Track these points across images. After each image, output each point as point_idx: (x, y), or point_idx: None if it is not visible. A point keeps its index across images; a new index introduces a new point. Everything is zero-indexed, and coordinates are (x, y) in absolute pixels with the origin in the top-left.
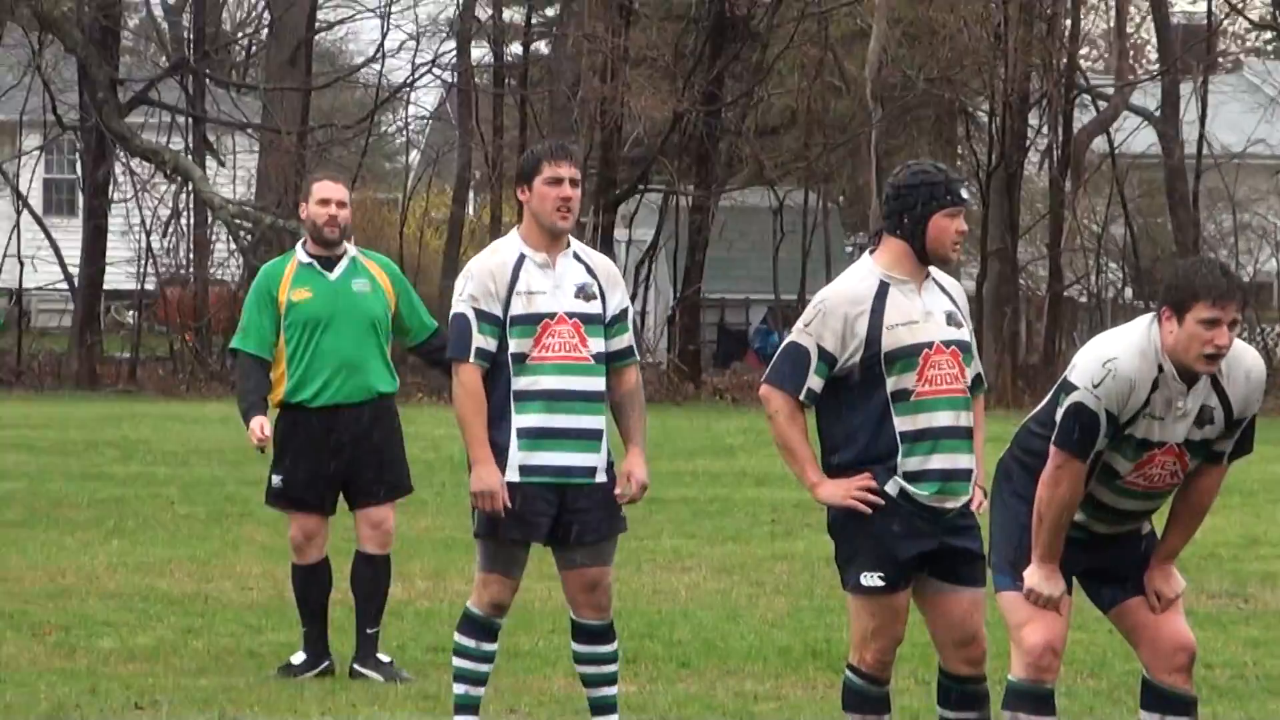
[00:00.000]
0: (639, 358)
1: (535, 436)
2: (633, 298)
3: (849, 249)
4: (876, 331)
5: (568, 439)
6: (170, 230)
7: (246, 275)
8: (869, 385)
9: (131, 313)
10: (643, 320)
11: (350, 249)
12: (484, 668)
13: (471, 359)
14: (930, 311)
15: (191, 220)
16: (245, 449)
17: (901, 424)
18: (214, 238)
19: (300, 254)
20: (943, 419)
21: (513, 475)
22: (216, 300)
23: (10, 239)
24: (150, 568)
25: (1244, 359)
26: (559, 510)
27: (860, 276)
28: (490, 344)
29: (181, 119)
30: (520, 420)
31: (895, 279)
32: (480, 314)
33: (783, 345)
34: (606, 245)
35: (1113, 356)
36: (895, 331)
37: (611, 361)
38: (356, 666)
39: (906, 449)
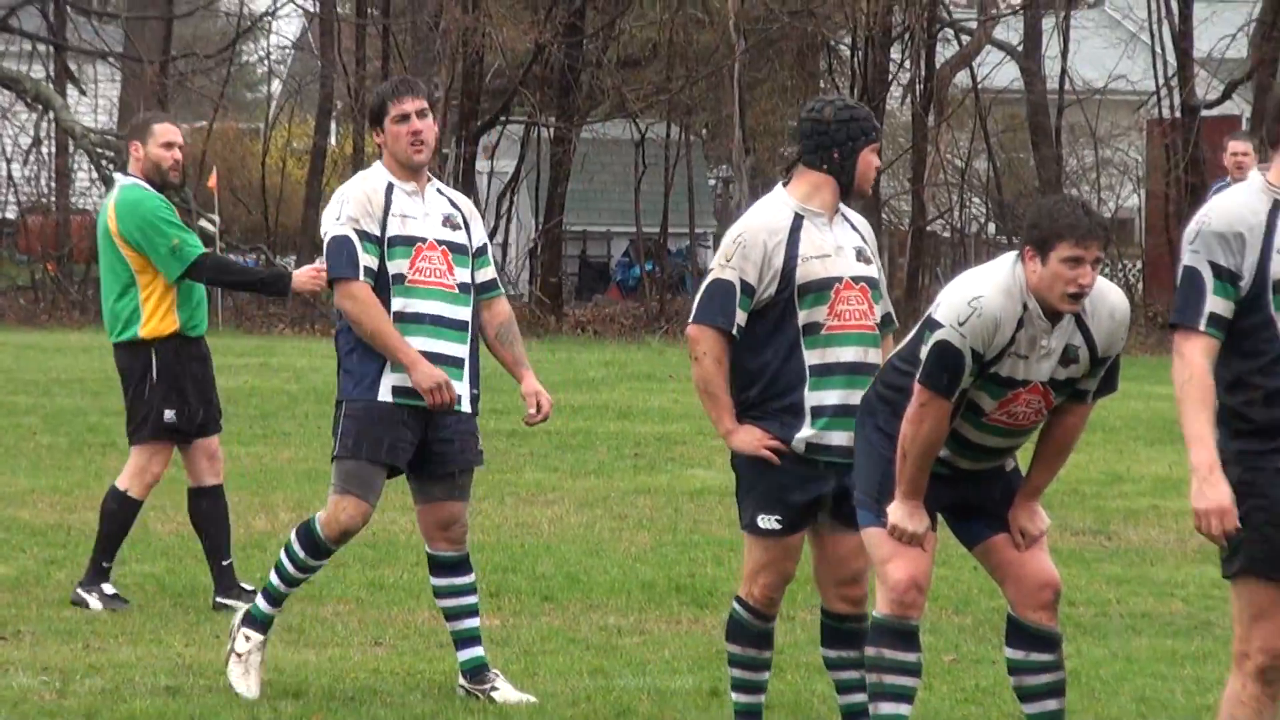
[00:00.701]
0: (502, 291)
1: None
2: (494, 231)
3: (711, 182)
4: (792, 263)
5: (438, 365)
6: (31, 159)
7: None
8: (782, 318)
9: None
10: (504, 253)
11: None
12: (304, 577)
13: (361, 276)
14: (841, 246)
15: (53, 149)
16: (109, 379)
17: (810, 357)
18: (76, 167)
19: (145, 185)
20: (850, 354)
21: (385, 395)
22: (78, 229)
23: None
24: (12, 498)
25: (1108, 297)
26: (423, 438)
27: (775, 208)
28: (373, 263)
29: (42, 47)
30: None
31: (810, 211)
32: (362, 234)
33: (705, 284)
34: (468, 177)
35: (978, 295)
36: (809, 264)
37: (481, 294)
38: (219, 599)
39: (814, 382)
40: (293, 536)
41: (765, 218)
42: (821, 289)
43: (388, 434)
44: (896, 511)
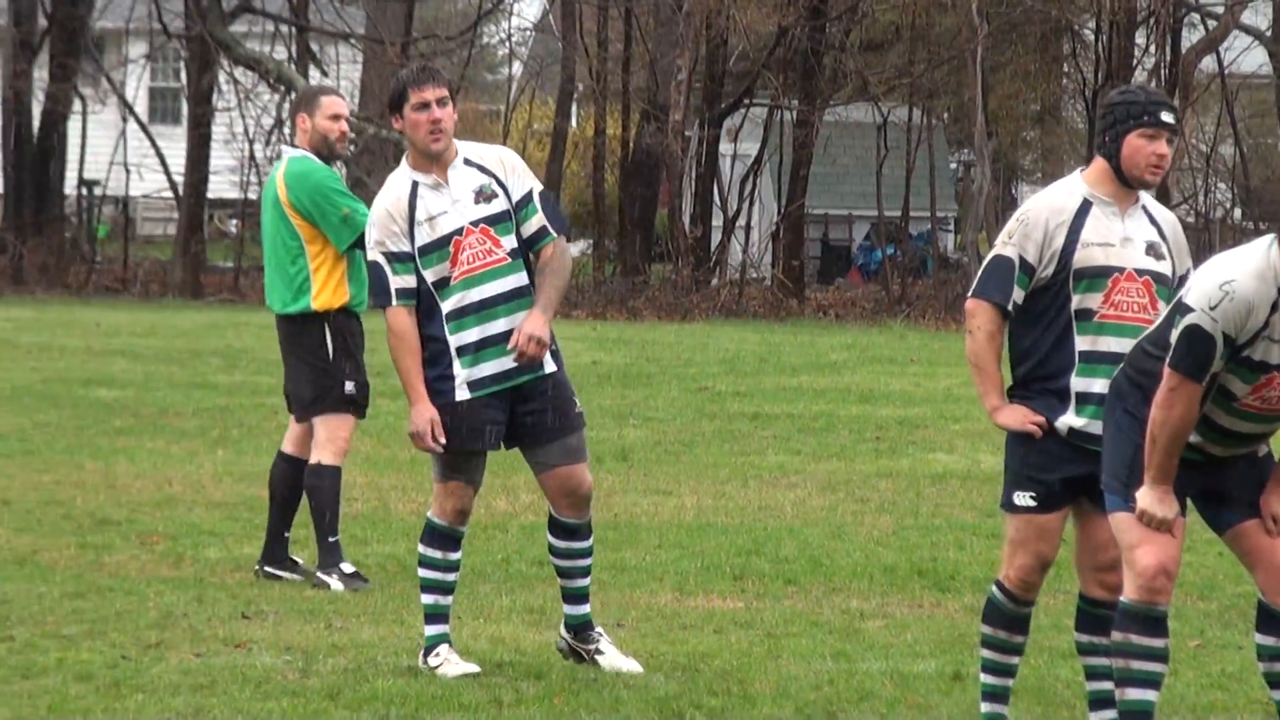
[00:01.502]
0: (555, 235)
1: (474, 350)
2: (737, 212)
3: (953, 166)
4: (1071, 246)
5: (504, 342)
6: (273, 139)
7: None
8: (1057, 300)
9: (234, 222)
10: (747, 235)
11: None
12: (450, 577)
13: (395, 301)
14: (1130, 238)
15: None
16: None
17: (1081, 344)
18: None
19: (315, 160)
20: (1123, 345)
21: (463, 394)
22: None
23: (116, 147)
24: (255, 478)
25: None
26: (511, 413)
27: (1066, 191)
28: (410, 280)
29: (285, 28)
30: (457, 339)
31: (1098, 198)
32: (391, 256)
33: (986, 260)
34: (711, 159)
35: (1230, 279)
36: (1089, 250)
37: (529, 246)
38: (268, 569)
39: (1082, 369)
40: (420, 549)
41: (1052, 198)
42: (1098, 276)
43: (474, 424)
44: (1146, 497)
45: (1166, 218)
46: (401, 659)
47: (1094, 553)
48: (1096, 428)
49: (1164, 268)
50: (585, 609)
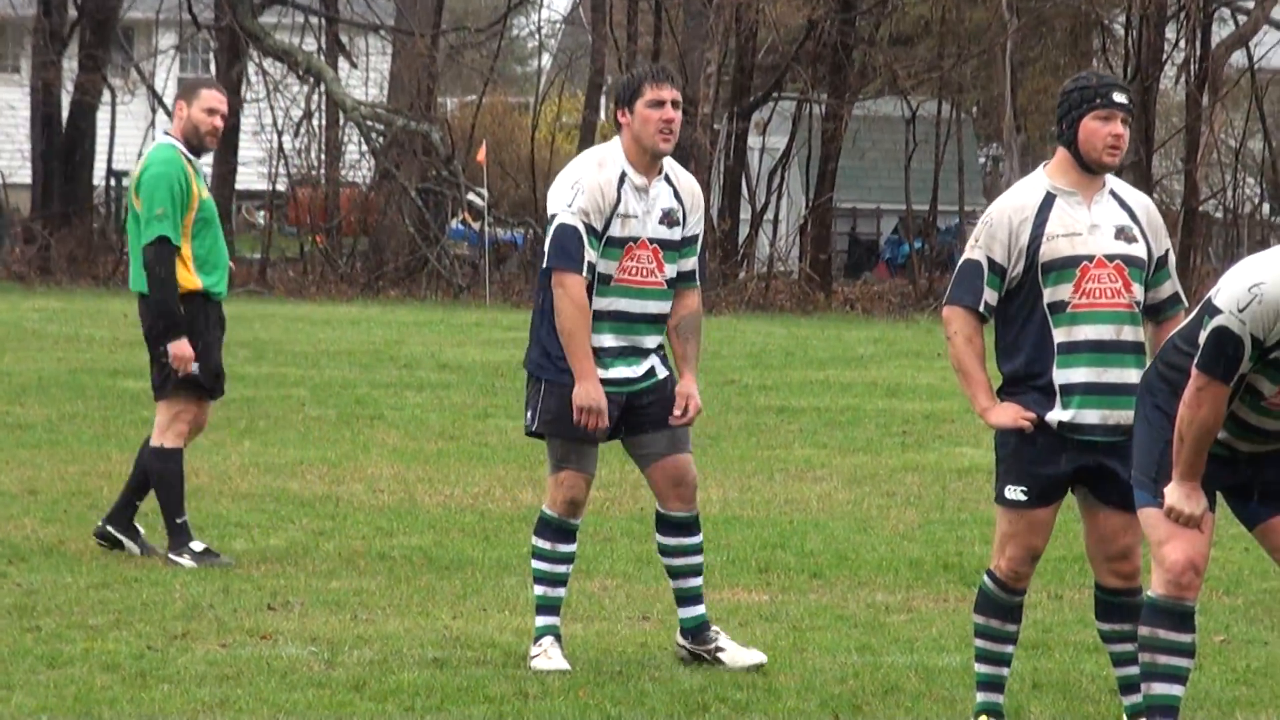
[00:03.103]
0: (700, 284)
1: (604, 355)
2: (764, 207)
3: (981, 160)
4: (1037, 242)
5: (633, 356)
6: (302, 131)
7: (378, 177)
8: (1030, 296)
9: (262, 213)
10: (774, 229)
11: None
12: (562, 569)
13: (584, 272)
14: (1097, 224)
15: (323, 121)
16: (377, 351)
17: (1058, 335)
18: (345, 139)
19: (182, 149)
20: (1097, 332)
21: None
22: (347, 202)
23: (145, 138)
24: (281, 469)
25: None
26: (624, 410)
27: (1028, 188)
28: (594, 258)
29: (315, 20)
30: (596, 339)
31: (1062, 190)
32: (590, 229)
33: (957, 266)
34: (739, 152)
35: (1260, 281)
36: (1055, 242)
37: (677, 283)
38: (110, 529)
39: (1060, 360)
40: (532, 541)
41: (1014, 197)
42: (1065, 266)
43: None
44: (1174, 493)
45: (1138, 200)
46: (427, 651)
47: (1103, 543)
48: (1085, 418)
49: (1136, 250)
50: (700, 610)
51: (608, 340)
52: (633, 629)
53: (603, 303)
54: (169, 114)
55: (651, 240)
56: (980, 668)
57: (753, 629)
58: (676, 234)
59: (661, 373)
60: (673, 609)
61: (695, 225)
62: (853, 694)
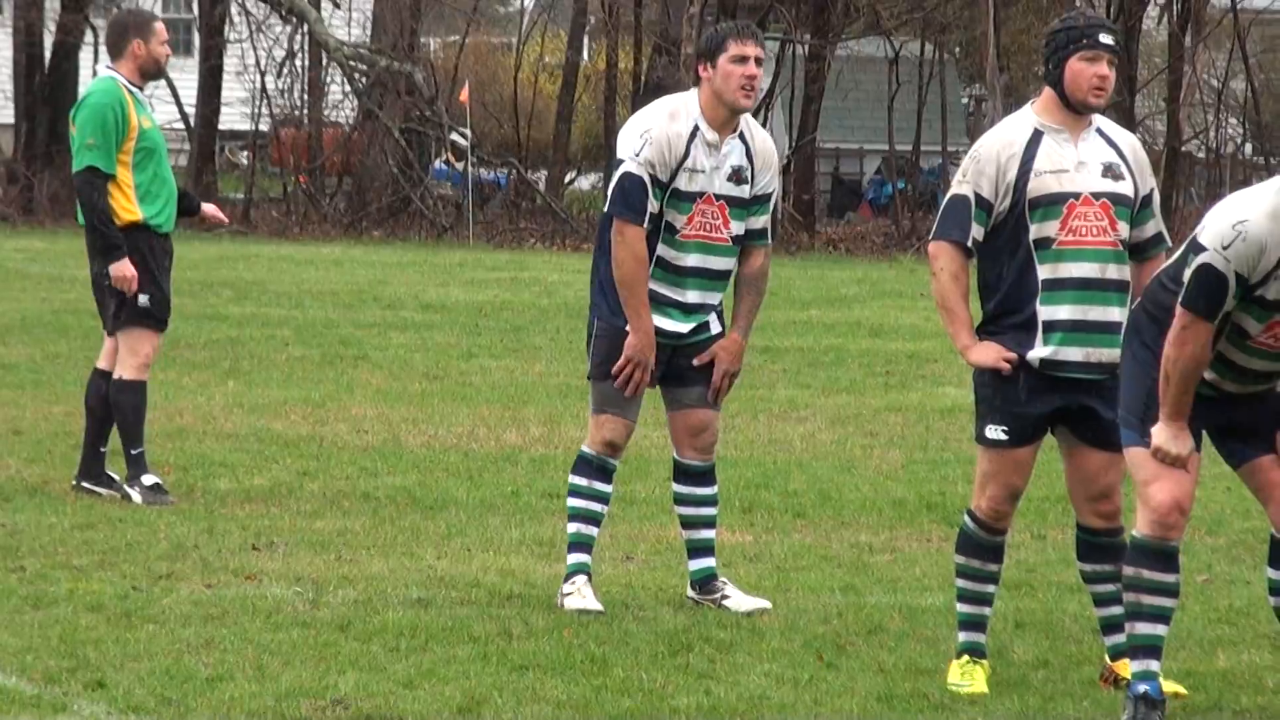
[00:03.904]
0: (770, 242)
1: (661, 304)
2: None
3: (965, 100)
4: (1024, 178)
5: (689, 311)
6: (285, 71)
7: (361, 117)
8: (1016, 232)
9: (245, 154)
10: None
11: None
12: (597, 506)
13: (644, 223)
14: (1084, 162)
15: (306, 62)
16: (360, 291)
17: (1042, 272)
18: (328, 80)
19: (124, 83)
20: (1083, 269)
21: None
22: (330, 142)
23: None
24: (266, 409)
25: None
26: (670, 357)
27: (1016, 124)
28: (655, 208)
29: None
30: (654, 287)
31: (1049, 127)
32: (655, 180)
33: (944, 202)
34: None
35: (1243, 219)
36: (1042, 178)
37: (744, 240)
38: (85, 484)
39: (1045, 296)
40: (570, 479)
41: (1002, 133)
42: (1052, 203)
43: None
44: (1160, 434)
45: (1125, 139)
46: (411, 591)
47: (1085, 484)
48: (1066, 354)
49: (1123, 188)
50: (710, 562)
51: (666, 291)
52: (616, 569)
53: (667, 253)
54: None
55: (719, 196)
56: (962, 607)
57: (737, 569)
58: (745, 191)
59: (715, 328)
60: (657, 550)
61: (767, 185)
62: (836, 634)
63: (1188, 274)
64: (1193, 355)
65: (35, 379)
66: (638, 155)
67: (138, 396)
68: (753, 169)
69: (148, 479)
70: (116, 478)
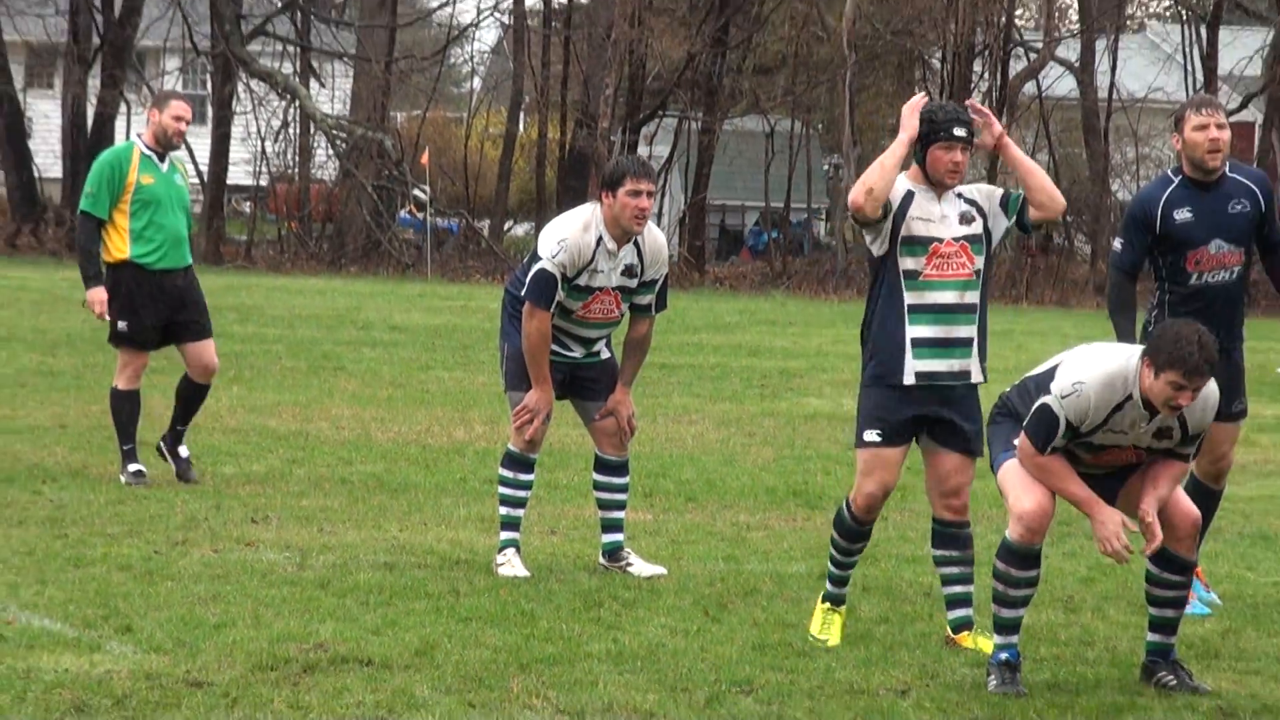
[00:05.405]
0: (655, 314)
1: (562, 340)
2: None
3: (825, 167)
4: (901, 219)
5: (582, 346)
6: (280, 138)
7: (341, 175)
8: (892, 263)
9: (248, 204)
10: (659, 220)
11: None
12: (522, 493)
13: (551, 309)
14: (946, 215)
15: (297, 130)
16: (339, 315)
17: (910, 298)
18: (315, 144)
19: (141, 146)
20: (945, 297)
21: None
22: (316, 195)
23: None
24: (262, 409)
25: (1207, 400)
26: (569, 378)
27: (898, 182)
28: (562, 298)
29: (291, 48)
30: (558, 346)
31: (919, 188)
32: (564, 278)
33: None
34: None
35: (1082, 380)
36: (911, 223)
37: (632, 311)
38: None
39: (913, 319)
40: (499, 471)
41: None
42: (920, 244)
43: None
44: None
45: (981, 188)
46: (379, 556)
47: (939, 482)
48: (933, 365)
49: (977, 228)
50: (619, 537)
51: (568, 342)
52: (543, 541)
53: (567, 323)
54: None
55: (614, 288)
56: (831, 569)
57: (640, 542)
58: (633, 282)
59: (605, 355)
60: (575, 526)
61: (654, 273)
62: (719, 595)
63: (1033, 406)
64: (1037, 469)
65: (78, 383)
66: (554, 258)
67: (121, 402)
68: (642, 265)
69: (132, 467)
70: (185, 453)
